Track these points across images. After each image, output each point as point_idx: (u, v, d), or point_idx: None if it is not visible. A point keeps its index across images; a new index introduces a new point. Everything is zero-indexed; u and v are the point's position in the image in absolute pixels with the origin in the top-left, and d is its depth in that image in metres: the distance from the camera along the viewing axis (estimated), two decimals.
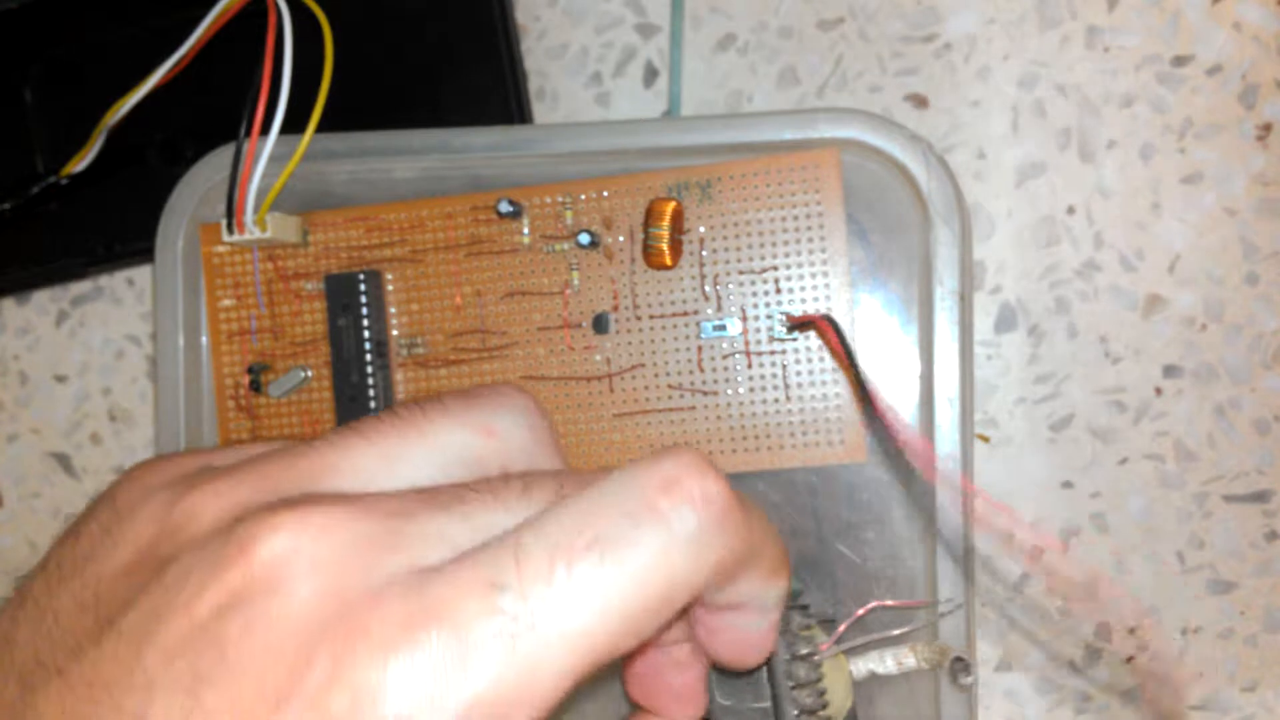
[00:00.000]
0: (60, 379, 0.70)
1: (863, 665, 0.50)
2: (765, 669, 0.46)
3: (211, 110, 0.61)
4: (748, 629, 0.34)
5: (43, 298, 0.70)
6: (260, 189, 0.54)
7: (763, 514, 0.31)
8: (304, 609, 0.25)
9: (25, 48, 0.67)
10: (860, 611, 0.50)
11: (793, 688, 0.45)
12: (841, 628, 0.49)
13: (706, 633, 0.35)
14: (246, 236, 0.54)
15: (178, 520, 0.27)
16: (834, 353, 0.53)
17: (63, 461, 0.70)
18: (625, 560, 0.26)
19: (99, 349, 0.69)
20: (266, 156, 0.54)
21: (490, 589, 0.25)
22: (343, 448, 0.29)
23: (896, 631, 0.50)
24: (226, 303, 0.57)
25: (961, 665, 0.48)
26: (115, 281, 0.69)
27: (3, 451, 0.71)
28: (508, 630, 0.25)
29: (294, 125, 0.54)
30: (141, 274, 0.68)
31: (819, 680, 0.46)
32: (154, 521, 0.28)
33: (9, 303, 0.70)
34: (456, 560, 0.26)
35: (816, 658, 0.46)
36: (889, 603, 0.51)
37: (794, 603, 0.48)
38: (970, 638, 0.51)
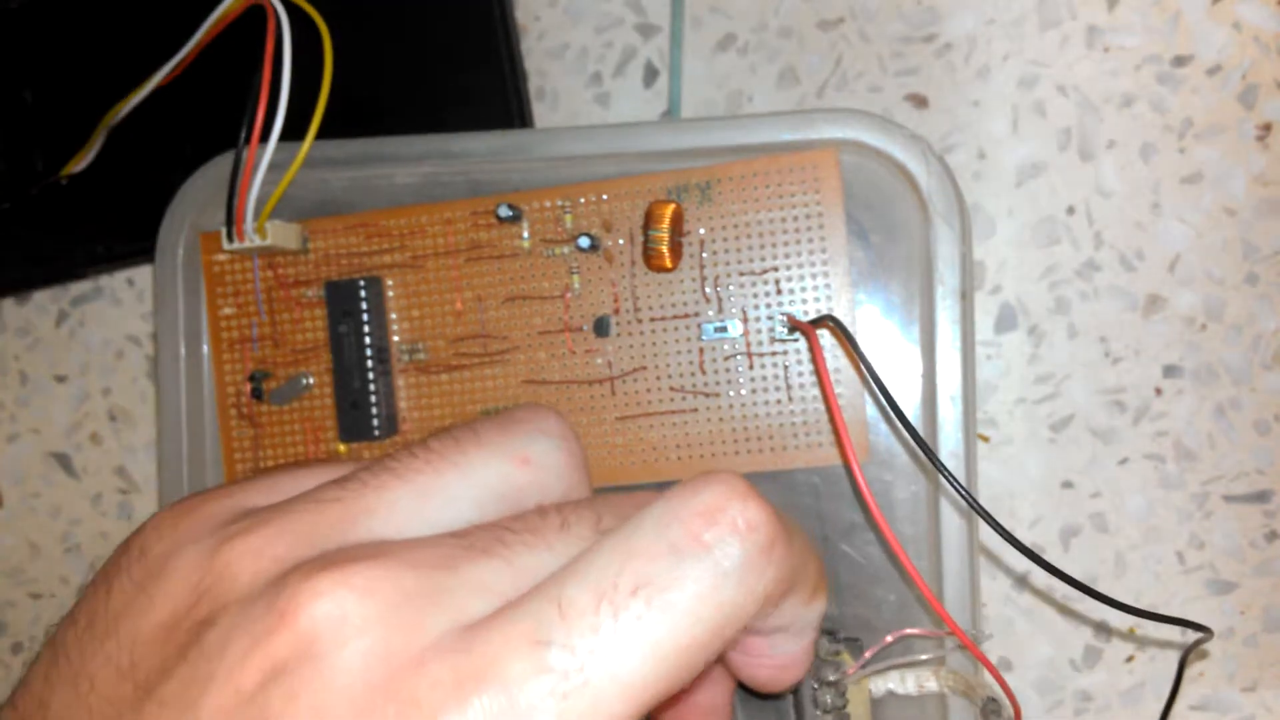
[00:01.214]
0: (60, 379, 0.70)
1: (881, 684, 0.50)
2: (791, 693, 0.46)
3: (211, 111, 0.61)
4: (785, 651, 0.34)
5: (43, 298, 0.70)
6: (260, 196, 0.54)
7: (802, 531, 0.30)
8: (349, 677, 0.24)
9: (25, 48, 0.66)
10: (889, 639, 0.49)
11: (819, 715, 0.45)
12: (868, 654, 0.49)
13: (743, 658, 0.34)
14: (246, 244, 0.54)
15: (214, 579, 0.27)
16: (817, 368, 0.53)
17: (63, 461, 0.70)
18: (673, 601, 0.26)
19: (99, 349, 0.69)
20: (266, 164, 0.54)
21: (537, 645, 0.24)
22: (377, 489, 0.29)
23: (924, 657, 0.50)
24: (227, 311, 0.57)
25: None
26: (115, 281, 0.69)
27: (3, 451, 0.71)
28: (559, 688, 0.24)
29: (294, 129, 0.54)
30: (141, 274, 0.68)
31: (844, 706, 0.46)
32: (189, 578, 0.27)
33: (9, 303, 0.70)
34: (500, 614, 0.25)
35: (843, 684, 0.46)
36: (914, 631, 0.51)
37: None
38: (978, 635, 0.52)
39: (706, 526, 0.27)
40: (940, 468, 0.46)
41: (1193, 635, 0.52)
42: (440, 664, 0.24)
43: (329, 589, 0.25)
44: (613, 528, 0.28)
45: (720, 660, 0.35)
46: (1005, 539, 0.44)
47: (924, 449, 0.46)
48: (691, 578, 0.26)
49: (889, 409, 0.48)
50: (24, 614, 0.71)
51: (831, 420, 0.53)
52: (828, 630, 0.49)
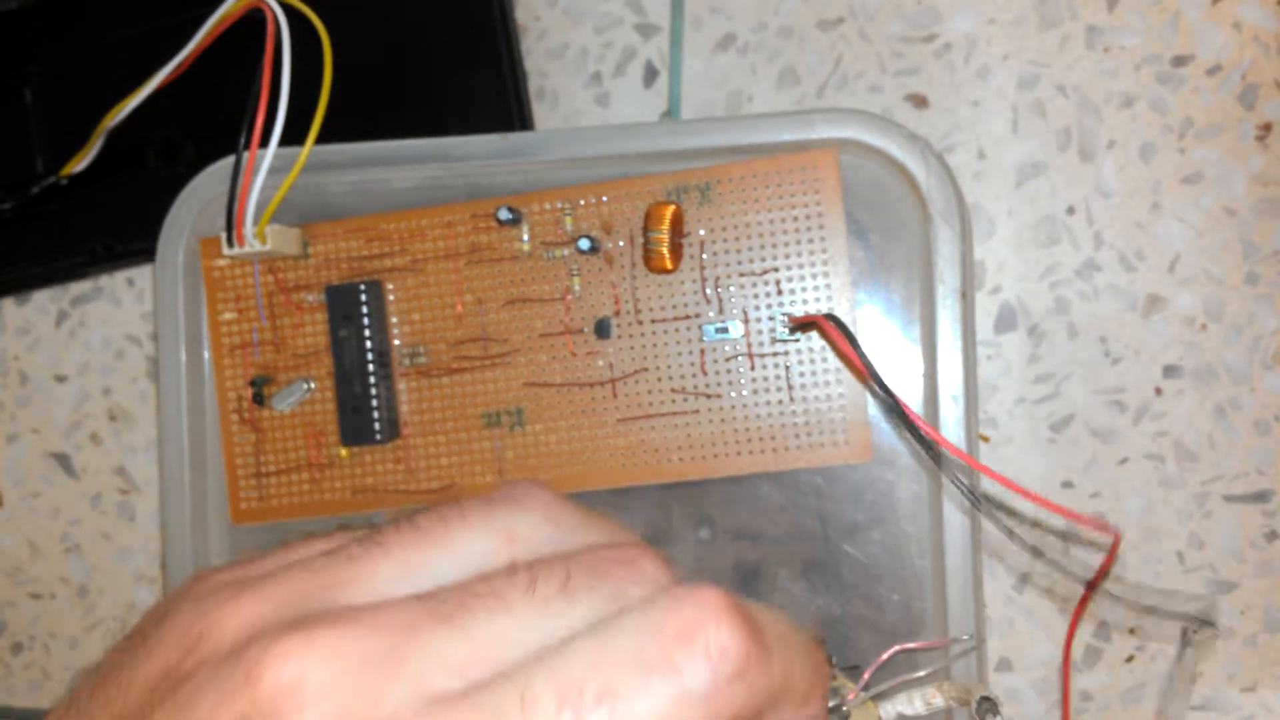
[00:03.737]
0: (60, 379, 0.70)
1: (891, 709, 0.49)
2: None
3: (210, 112, 0.61)
4: None
5: (43, 298, 0.70)
6: (260, 201, 0.54)
7: (792, 635, 0.30)
8: None
9: (25, 48, 0.66)
10: (883, 657, 0.49)
11: None
12: (866, 675, 0.49)
13: None
14: (246, 250, 0.54)
15: (199, 635, 0.27)
16: (840, 352, 0.53)
17: (63, 461, 0.70)
18: (634, 714, 0.26)
19: (99, 349, 0.69)
20: (266, 169, 0.54)
21: None
22: (362, 560, 0.29)
23: (922, 673, 0.50)
24: (228, 316, 0.57)
25: (989, 705, 0.47)
26: (115, 281, 0.69)
27: (3, 451, 0.71)
28: None
29: (293, 130, 0.54)
30: (141, 274, 0.68)
31: None
32: (181, 634, 0.28)
33: (9, 303, 0.70)
34: (464, 696, 0.26)
35: (845, 708, 0.46)
36: (910, 646, 0.51)
37: None
38: (982, 669, 0.52)
39: (679, 647, 0.27)
40: (936, 458, 0.46)
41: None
42: None
43: (292, 651, 0.26)
44: (581, 586, 0.28)
45: None
46: (1004, 533, 0.44)
47: (921, 442, 0.46)
48: (656, 694, 0.26)
49: (886, 402, 0.48)
50: (24, 614, 0.71)
51: (865, 380, 0.52)
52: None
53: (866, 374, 0.47)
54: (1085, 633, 0.60)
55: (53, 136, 0.66)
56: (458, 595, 0.28)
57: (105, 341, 0.69)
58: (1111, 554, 0.48)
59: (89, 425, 0.70)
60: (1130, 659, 0.60)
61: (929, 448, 0.47)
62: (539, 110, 0.64)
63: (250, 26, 0.55)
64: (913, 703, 0.49)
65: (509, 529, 0.31)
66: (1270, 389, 0.58)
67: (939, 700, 0.49)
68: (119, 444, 0.69)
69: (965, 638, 0.51)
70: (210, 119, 0.62)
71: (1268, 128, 0.58)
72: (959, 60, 0.60)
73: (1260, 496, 0.59)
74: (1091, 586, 0.48)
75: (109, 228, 0.66)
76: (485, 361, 0.55)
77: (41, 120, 0.67)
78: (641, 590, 0.28)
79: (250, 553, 0.33)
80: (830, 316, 0.50)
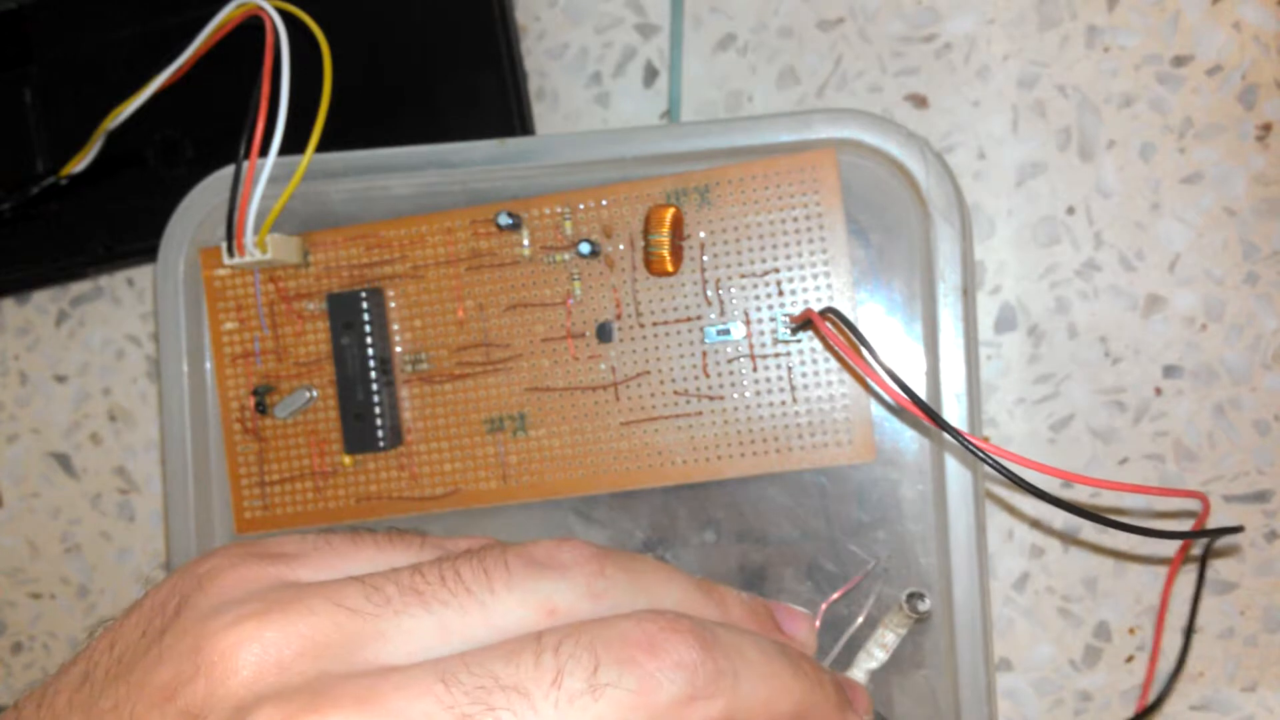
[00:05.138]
0: (60, 379, 0.70)
1: (858, 672, 0.50)
2: None
3: (210, 113, 0.61)
4: None
5: (43, 298, 0.70)
6: (260, 211, 0.54)
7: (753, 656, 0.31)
8: None
9: (25, 48, 0.66)
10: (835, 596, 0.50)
11: None
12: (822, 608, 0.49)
13: None
14: (247, 259, 0.54)
15: (210, 663, 0.27)
16: (832, 348, 0.53)
17: (63, 461, 0.70)
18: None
19: (99, 349, 0.69)
20: (265, 178, 0.54)
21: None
22: (398, 613, 0.29)
23: (860, 619, 0.51)
24: (229, 325, 0.57)
25: (916, 596, 0.48)
26: (115, 281, 0.69)
27: (3, 451, 0.71)
28: None
29: (293, 135, 0.54)
30: (141, 274, 0.68)
31: None
32: (191, 649, 0.27)
33: (9, 303, 0.70)
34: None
35: None
36: (834, 597, 0.52)
37: None
38: (988, 631, 0.52)
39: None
40: (944, 425, 0.46)
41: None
42: None
43: None
44: (609, 681, 0.28)
45: None
46: (1015, 482, 0.44)
47: (926, 410, 0.46)
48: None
49: (892, 377, 0.48)
50: (24, 614, 0.71)
51: (870, 386, 0.52)
52: None
53: (864, 365, 0.47)
54: (1085, 633, 0.61)
55: (53, 136, 0.66)
56: (486, 687, 0.27)
57: (105, 341, 0.69)
58: (1203, 517, 0.49)
59: (89, 425, 0.70)
60: (1130, 659, 0.60)
61: (936, 417, 0.47)
62: (539, 110, 0.64)
63: (251, 27, 0.55)
64: (872, 654, 0.50)
65: (549, 601, 0.30)
66: (1270, 389, 0.59)
67: (890, 636, 0.50)
68: (119, 444, 0.69)
69: (870, 563, 0.52)
70: (210, 120, 0.62)
71: (1268, 128, 0.58)
72: (959, 60, 0.60)
73: (1260, 496, 0.59)
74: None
75: (109, 228, 0.66)
76: (487, 367, 0.55)
77: (41, 120, 0.67)
78: (674, 685, 0.28)
79: (284, 541, 0.32)
80: (829, 310, 0.50)
